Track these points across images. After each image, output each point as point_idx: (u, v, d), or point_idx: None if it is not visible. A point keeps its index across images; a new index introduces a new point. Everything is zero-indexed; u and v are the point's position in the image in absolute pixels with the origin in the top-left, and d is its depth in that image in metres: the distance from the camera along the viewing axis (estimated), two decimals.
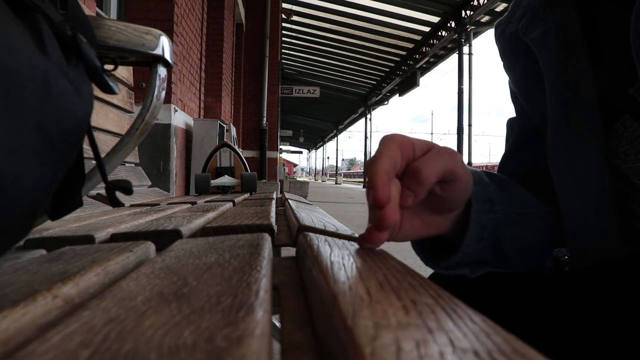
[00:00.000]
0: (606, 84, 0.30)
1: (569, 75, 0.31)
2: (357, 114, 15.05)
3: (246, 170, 1.49)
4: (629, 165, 0.30)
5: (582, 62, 0.31)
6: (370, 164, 0.23)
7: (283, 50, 9.23)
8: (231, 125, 3.93)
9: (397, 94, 10.38)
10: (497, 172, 0.41)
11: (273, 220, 0.39)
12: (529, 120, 0.38)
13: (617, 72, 0.30)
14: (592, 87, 0.30)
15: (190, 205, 0.70)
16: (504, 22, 0.38)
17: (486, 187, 0.30)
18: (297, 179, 17.28)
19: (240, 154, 1.53)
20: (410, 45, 8.31)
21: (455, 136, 6.47)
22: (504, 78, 0.42)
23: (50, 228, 0.36)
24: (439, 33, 7.32)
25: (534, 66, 0.34)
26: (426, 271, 0.33)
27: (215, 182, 1.41)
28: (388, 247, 0.24)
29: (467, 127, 6.52)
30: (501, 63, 0.41)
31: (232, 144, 1.54)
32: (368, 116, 13.53)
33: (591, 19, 0.31)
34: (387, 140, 0.24)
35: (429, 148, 0.24)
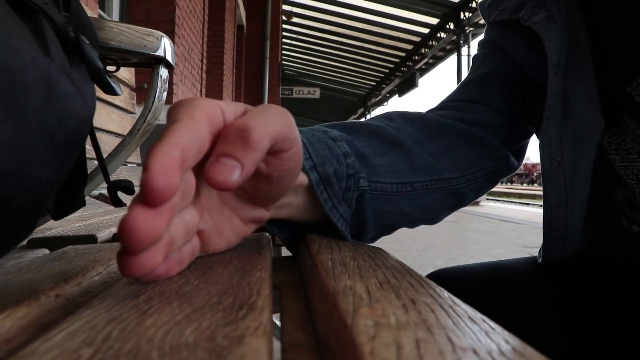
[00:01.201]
0: (606, 81, 0.29)
1: (571, 62, 0.30)
2: (357, 115, 15.06)
3: None
4: (626, 163, 0.29)
5: (585, 52, 0.30)
6: (156, 141, 0.13)
7: (283, 52, 9.25)
8: None
9: (397, 95, 10.39)
10: (447, 99, 0.36)
11: None
12: (504, 64, 0.35)
13: (616, 69, 0.29)
14: (594, 78, 0.29)
15: None
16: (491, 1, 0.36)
17: (341, 160, 0.24)
18: None
19: None
20: (410, 47, 8.33)
21: None
22: None
23: (53, 228, 0.36)
24: (438, 35, 7.34)
25: (530, 52, 0.32)
26: (425, 270, 0.33)
27: None
28: (387, 246, 0.23)
29: None
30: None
31: None
32: (367, 117, 13.53)
33: (591, 16, 0.31)
34: (186, 106, 0.15)
35: (246, 110, 0.16)
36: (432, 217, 0.31)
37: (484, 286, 0.36)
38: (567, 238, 0.31)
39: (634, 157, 0.29)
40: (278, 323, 0.16)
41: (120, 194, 0.30)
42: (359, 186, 0.25)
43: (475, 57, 0.39)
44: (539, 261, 0.35)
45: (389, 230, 0.29)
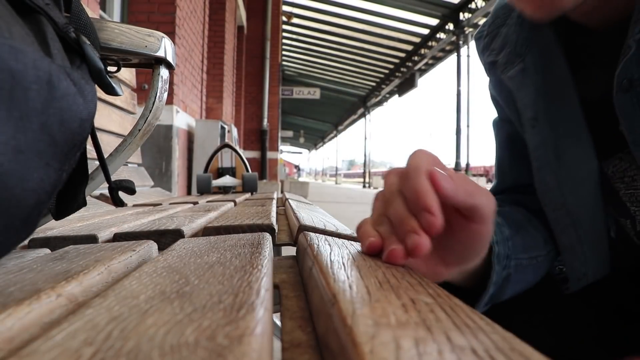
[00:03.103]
0: (602, 114, 0.29)
1: (554, 110, 0.30)
2: (357, 115, 15.05)
3: (247, 171, 1.49)
4: (631, 191, 0.29)
5: (570, 96, 0.29)
6: (412, 170, 0.19)
7: (283, 52, 9.25)
8: (232, 126, 3.94)
9: (396, 95, 10.39)
10: (496, 185, 0.39)
11: (274, 219, 0.39)
12: (513, 125, 0.36)
13: (609, 107, 0.28)
14: (582, 118, 0.29)
15: (192, 205, 0.70)
16: (485, 34, 0.36)
17: (505, 243, 0.29)
18: (297, 179, 17.37)
19: (242, 154, 1.53)
20: (409, 47, 8.33)
21: (455, 137, 6.46)
22: None
23: (54, 227, 0.36)
24: (438, 35, 7.34)
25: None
26: None
27: (217, 182, 1.41)
28: None
29: (466, 128, 6.52)
30: None
31: (234, 145, 1.55)
32: (367, 117, 13.53)
33: (575, 53, 0.30)
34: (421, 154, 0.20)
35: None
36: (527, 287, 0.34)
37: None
38: (590, 274, 0.31)
39: (639, 184, 0.29)
40: (278, 323, 0.16)
41: (121, 194, 0.30)
42: (509, 265, 0.29)
43: (493, 123, 0.40)
44: (565, 292, 0.34)
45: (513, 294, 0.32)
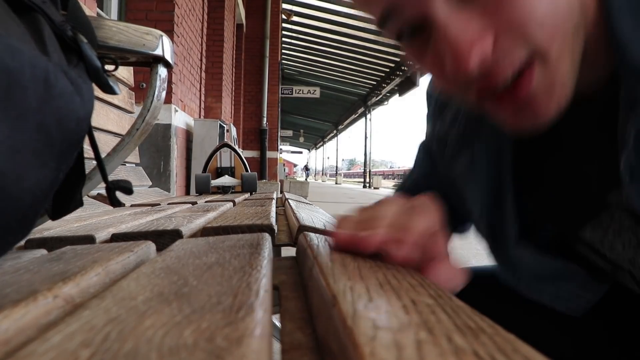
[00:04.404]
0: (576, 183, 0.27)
1: (495, 208, 0.29)
2: (357, 114, 15.05)
3: (246, 171, 1.49)
4: (615, 255, 0.28)
5: (507, 189, 0.28)
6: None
7: (283, 51, 9.24)
8: (231, 125, 3.93)
9: (397, 94, 10.39)
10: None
11: (273, 220, 0.39)
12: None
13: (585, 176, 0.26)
14: (514, 212, 0.28)
15: (190, 205, 0.70)
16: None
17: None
18: (297, 178, 17.39)
19: (241, 154, 1.53)
20: None
21: None
22: None
23: (51, 228, 0.36)
24: None
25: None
26: None
27: (216, 182, 1.41)
28: None
29: None
30: None
31: (233, 144, 1.54)
32: (368, 116, 13.54)
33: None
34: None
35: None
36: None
37: (485, 288, 0.36)
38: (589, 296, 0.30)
39: (618, 248, 0.27)
40: (278, 324, 0.16)
41: (118, 194, 0.30)
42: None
43: (420, 146, 0.38)
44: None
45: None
